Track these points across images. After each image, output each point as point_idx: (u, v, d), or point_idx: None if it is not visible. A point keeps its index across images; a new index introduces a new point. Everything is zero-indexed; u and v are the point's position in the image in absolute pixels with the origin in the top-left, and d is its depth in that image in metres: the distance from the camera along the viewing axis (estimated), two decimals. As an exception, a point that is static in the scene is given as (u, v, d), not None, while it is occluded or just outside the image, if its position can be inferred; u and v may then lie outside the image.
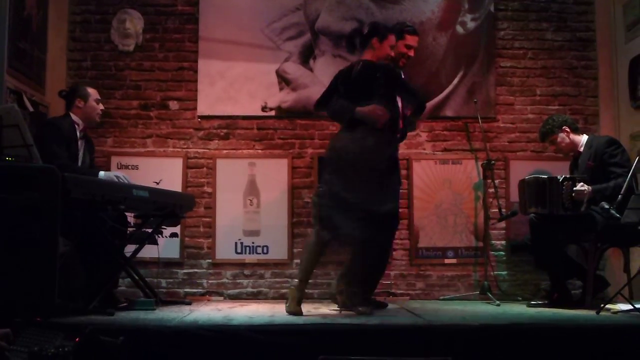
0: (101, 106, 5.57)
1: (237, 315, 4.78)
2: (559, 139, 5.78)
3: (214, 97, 6.75)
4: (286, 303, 4.97)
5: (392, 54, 5.34)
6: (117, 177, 5.22)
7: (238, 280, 6.60)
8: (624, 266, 5.60)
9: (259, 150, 6.72)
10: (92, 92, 5.52)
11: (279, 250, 6.60)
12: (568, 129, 5.75)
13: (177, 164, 6.68)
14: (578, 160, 5.77)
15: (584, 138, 5.78)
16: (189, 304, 5.69)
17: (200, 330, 3.93)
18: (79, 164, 5.33)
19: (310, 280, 5.21)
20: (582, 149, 5.73)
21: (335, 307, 5.21)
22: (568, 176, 5.51)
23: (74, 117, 5.39)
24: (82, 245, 4.96)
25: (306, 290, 5.08)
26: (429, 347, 3.87)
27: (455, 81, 6.85)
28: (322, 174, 5.40)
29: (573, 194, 5.37)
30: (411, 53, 5.62)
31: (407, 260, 6.64)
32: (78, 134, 5.38)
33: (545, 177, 5.57)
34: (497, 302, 5.82)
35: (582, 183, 5.39)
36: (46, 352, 2.91)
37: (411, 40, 5.59)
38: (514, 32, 6.98)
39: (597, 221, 5.32)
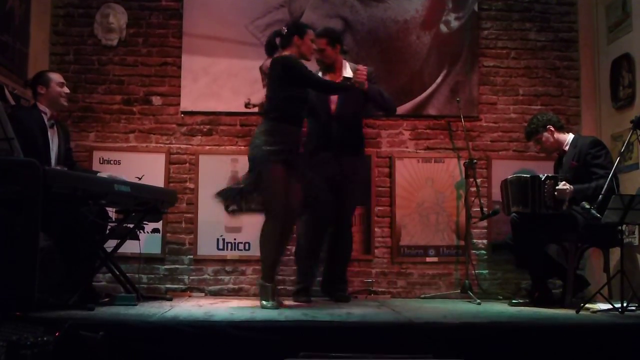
0: (66, 89, 5.36)
1: (218, 312, 4.76)
2: (543, 139, 5.80)
3: (197, 93, 6.74)
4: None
5: (314, 47, 5.50)
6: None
7: (219, 277, 6.59)
8: (603, 266, 5.65)
9: (242, 147, 6.69)
10: (54, 76, 5.34)
11: (260, 247, 6.58)
12: (552, 128, 5.77)
13: (159, 160, 6.66)
14: (562, 159, 5.80)
15: (569, 137, 5.80)
16: (170, 299, 5.67)
17: (180, 326, 3.92)
18: (52, 154, 5.20)
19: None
20: (567, 148, 5.75)
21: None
22: (550, 175, 5.55)
23: (40, 106, 5.23)
24: (62, 240, 4.93)
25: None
26: (410, 344, 3.88)
27: (439, 80, 6.87)
28: None
29: (555, 193, 5.40)
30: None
31: (388, 259, 6.65)
32: (47, 123, 5.21)
33: (528, 176, 5.61)
34: (478, 300, 5.85)
35: (564, 182, 5.42)
36: (25, 341, 2.91)
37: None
38: (497, 31, 7.01)
39: (578, 221, 5.34)
